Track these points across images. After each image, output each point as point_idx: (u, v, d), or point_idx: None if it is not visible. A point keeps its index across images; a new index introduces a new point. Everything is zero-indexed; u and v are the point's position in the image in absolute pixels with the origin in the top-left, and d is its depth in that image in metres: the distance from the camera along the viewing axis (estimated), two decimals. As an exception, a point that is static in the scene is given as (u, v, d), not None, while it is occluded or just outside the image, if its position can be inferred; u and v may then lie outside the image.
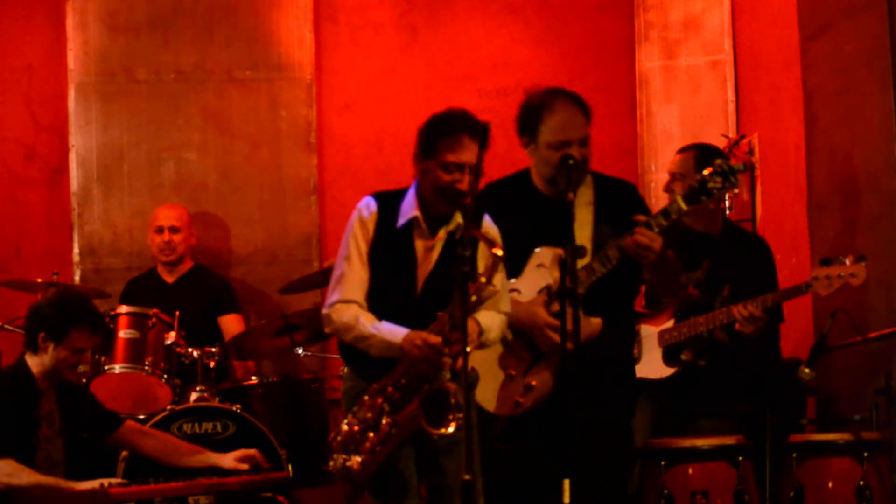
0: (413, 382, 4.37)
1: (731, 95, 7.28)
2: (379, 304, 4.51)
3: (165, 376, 5.98)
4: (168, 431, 5.63)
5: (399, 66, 7.45)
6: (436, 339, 4.29)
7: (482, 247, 4.29)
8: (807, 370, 4.80)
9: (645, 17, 7.43)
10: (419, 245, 4.50)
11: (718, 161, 4.39)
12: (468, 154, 4.35)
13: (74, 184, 7.19)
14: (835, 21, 5.90)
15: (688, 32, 7.36)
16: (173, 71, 7.26)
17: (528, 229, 4.50)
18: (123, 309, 6.10)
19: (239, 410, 5.77)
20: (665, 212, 4.36)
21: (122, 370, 5.96)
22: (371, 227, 4.51)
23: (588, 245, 4.35)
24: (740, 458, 4.59)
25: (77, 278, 7.12)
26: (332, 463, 4.47)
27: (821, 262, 4.53)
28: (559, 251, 4.26)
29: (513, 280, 4.50)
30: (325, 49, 7.42)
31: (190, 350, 6.01)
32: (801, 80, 6.19)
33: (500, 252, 4.22)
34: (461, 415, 4.23)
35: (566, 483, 3.57)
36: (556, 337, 4.20)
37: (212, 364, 6.01)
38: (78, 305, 5.11)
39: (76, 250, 7.18)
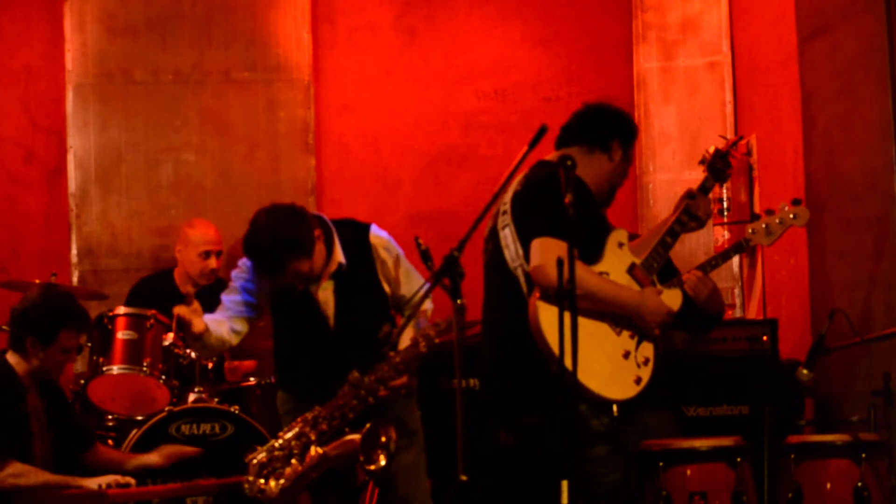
0: (346, 418, 4.57)
1: (728, 96, 7.27)
2: (296, 342, 4.78)
3: (163, 377, 5.97)
4: (166, 432, 5.66)
5: (397, 67, 7.45)
6: None
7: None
8: (805, 371, 4.79)
9: (643, 17, 7.43)
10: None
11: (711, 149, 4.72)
12: None
13: (72, 185, 7.18)
14: (833, 22, 5.90)
15: (686, 33, 7.36)
16: (171, 72, 7.26)
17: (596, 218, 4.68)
18: (121, 310, 6.09)
19: (237, 411, 5.77)
20: (703, 187, 4.69)
21: (120, 371, 5.95)
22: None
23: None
24: (738, 459, 4.58)
25: (75, 279, 7.11)
26: (246, 486, 4.52)
27: (751, 218, 4.63)
28: (624, 232, 4.60)
29: (597, 264, 4.55)
30: (322, 50, 7.42)
31: (188, 351, 6.00)
32: (799, 81, 6.19)
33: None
34: (392, 450, 4.51)
35: (565, 484, 3.54)
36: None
37: (210, 365, 6.01)
38: (65, 306, 5.10)
39: (74, 251, 7.17)
